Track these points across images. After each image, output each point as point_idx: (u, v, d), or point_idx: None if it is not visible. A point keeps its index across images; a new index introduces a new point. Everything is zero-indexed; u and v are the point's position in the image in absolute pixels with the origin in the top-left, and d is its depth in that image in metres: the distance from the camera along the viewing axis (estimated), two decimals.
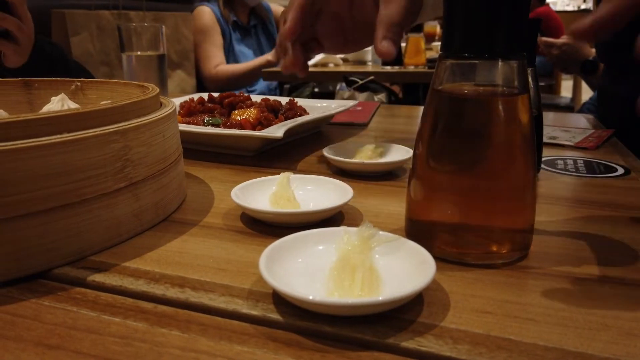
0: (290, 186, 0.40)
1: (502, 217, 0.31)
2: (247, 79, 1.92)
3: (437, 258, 0.28)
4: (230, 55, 2.00)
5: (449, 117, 0.31)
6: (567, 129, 0.75)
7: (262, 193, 0.41)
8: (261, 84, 2.11)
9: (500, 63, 0.30)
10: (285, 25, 0.55)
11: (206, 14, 1.94)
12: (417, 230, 0.34)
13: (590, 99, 1.42)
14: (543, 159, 0.57)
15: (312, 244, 0.31)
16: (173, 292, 0.28)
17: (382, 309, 0.25)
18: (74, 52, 1.49)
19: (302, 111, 0.68)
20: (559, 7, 7.51)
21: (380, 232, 0.31)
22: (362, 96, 1.68)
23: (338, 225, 0.38)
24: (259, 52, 2.14)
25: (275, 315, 0.26)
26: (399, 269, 0.29)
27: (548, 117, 0.87)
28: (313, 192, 0.42)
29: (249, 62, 1.95)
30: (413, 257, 0.29)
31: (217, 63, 1.92)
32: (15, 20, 0.76)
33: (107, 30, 1.60)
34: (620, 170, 0.53)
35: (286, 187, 0.40)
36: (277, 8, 2.20)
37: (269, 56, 1.90)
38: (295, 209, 0.38)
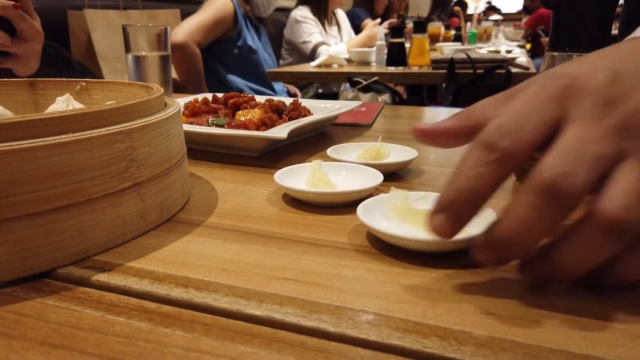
0: (323, 171, 0.45)
1: None
2: (193, 83, 1.85)
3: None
4: (244, 48, 1.97)
5: None
6: None
7: (297, 178, 0.45)
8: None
9: None
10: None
11: (227, 4, 1.88)
12: None
13: None
14: None
15: None
16: (177, 292, 0.28)
17: None
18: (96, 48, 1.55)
19: (306, 112, 0.68)
20: None
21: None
22: (366, 97, 1.68)
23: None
24: (264, 50, 2.15)
25: (278, 316, 0.26)
26: None
27: None
28: (345, 176, 0.46)
29: (203, 82, 1.90)
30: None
31: (198, 40, 1.82)
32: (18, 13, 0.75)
33: (115, 28, 1.63)
34: None
35: (321, 172, 0.44)
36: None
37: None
38: (333, 190, 0.42)
